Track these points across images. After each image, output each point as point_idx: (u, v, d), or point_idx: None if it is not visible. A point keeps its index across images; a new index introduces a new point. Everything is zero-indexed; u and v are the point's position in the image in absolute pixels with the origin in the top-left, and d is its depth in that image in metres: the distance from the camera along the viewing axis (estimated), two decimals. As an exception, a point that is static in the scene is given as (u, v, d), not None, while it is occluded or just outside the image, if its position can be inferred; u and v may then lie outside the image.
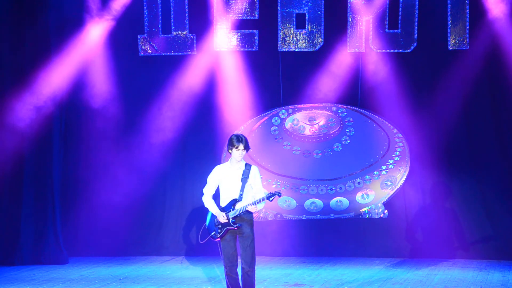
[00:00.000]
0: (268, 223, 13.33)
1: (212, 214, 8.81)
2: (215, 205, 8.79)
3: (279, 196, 8.67)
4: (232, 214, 8.68)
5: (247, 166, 8.78)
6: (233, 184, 8.74)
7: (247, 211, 8.69)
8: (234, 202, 8.71)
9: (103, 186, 13.50)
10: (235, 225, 8.66)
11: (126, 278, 11.44)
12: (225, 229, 8.70)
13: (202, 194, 8.95)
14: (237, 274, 8.82)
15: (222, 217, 8.68)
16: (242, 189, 8.70)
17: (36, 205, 12.92)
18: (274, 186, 13.36)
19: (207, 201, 8.83)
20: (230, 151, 8.70)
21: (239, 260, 8.84)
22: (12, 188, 12.86)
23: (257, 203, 8.62)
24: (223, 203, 8.79)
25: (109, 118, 13.54)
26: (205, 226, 8.92)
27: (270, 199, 8.60)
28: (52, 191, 12.96)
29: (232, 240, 8.75)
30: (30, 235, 12.90)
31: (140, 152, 13.58)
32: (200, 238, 9.11)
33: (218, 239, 8.76)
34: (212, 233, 8.79)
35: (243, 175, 8.71)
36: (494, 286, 10.48)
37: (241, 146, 8.64)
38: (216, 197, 8.91)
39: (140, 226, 13.69)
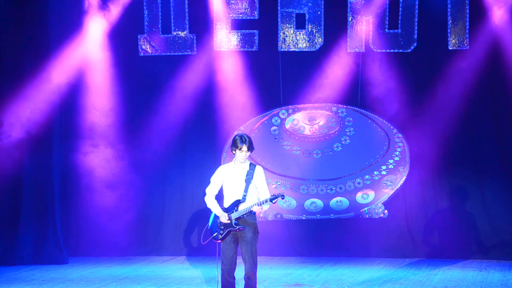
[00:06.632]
0: (268, 223, 13.32)
1: (215, 215, 8.65)
2: (217, 205, 8.63)
3: (282, 198, 8.49)
4: (235, 215, 8.51)
5: (252, 167, 8.60)
6: (237, 184, 8.56)
7: (250, 213, 8.52)
8: (237, 203, 8.54)
9: (103, 186, 13.49)
10: (238, 227, 8.49)
11: (126, 278, 11.44)
12: (227, 230, 8.54)
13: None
14: (234, 278, 8.66)
15: (224, 218, 8.52)
16: (245, 190, 8.53)
17: (36, 205, 12.91)
18: (274, 186, 13.36)
19: (210, 201, 8.68)
20: (233, 152, 8.51)
21: (237, 264, 8.72)
22: (12, 188, 12.85)
23: (262, 204, 8.45)
24: (226, 204, 8.62)
25: (109, 118, 13.53)
26: (208, 226, 8.73)
27: (274, 201, 8.40)
28: (52, 191, 12.95)
29: (233, 243, 8.58)
30: (30, 235, 12.89)
31: (140, 152, 13.58)
32: (202, 239, 8.98)
33: (220, 240, 8.59)
34: (214, 234, 8.62)
35: (247, 175, 8.54)
36: (494, 286, 10.48)
37: (245, 148, 8.45)
38: (219, 197, 8.77)
39: (140, 226, 13.69)
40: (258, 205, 8.46)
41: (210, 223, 8.73)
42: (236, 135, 8.56)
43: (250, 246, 8.53)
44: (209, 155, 13.55)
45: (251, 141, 8.52)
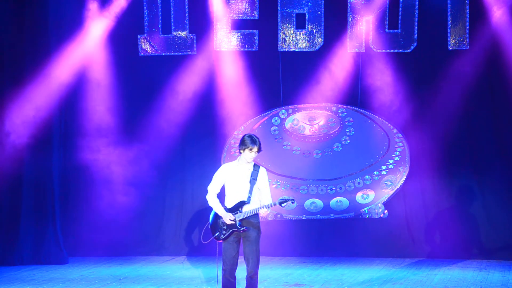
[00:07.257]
0: (268, 223, 13.32)
1: (216, 214, 8.57)
2: (220, 205, 8.54)
3: (293, 202, 8.42)
4: (239, 216, 8.43)
5: (256, 167, 8.55)
6: (241, 185, 8.49)
7: (254, 214, 8.46)
8: (241, 204, 8.47)
9: (103, 186, 13.49)
10: (242, 228, 8.42)
11: (126, 278, 11.44)
12: (230, 231, 8.47)
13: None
14: (235, 278, 8.62)
15: (228, 219, 8.45)
16: (250, 191, 8.46)
17: (36, 205, 12.91)
18: (274, 186, 13.36)
19: (212, 200, 8.59)
20: (242, 151, 8.44)
21: (238, 264, 8.69)
22: (12, 187, 12.85)
23: (270, 207, 8.38)
24: (229, 204, 8.54)
25: (109, 118, 13.53)
26: (208, 225, 8.64)
27: (283, 205, 8.31)
28: (52, 191, 12.95)
29: (235, 242, 8.51)
30: (30, 235, 12.89)
31: (140, 152, 13.57)
32: (202, 238, 8.94)
33: (222, 240, 8.52)
34: (216, 234, 8.55)
35: (251, 176, 8.49)
36: (494, 286, 10.48)
37: (255, 148, 8.40)
38: (220, 196, 8.70)
39: (140, 226, 13.69)
40: (266, 208, 8.38)
41: (210, 222, 8.65)
42: (245, 135, 8.52)
43: (255, 246, 8.48)
44: (209, 155, 13.55)
45: (260, 142, 8.50)
